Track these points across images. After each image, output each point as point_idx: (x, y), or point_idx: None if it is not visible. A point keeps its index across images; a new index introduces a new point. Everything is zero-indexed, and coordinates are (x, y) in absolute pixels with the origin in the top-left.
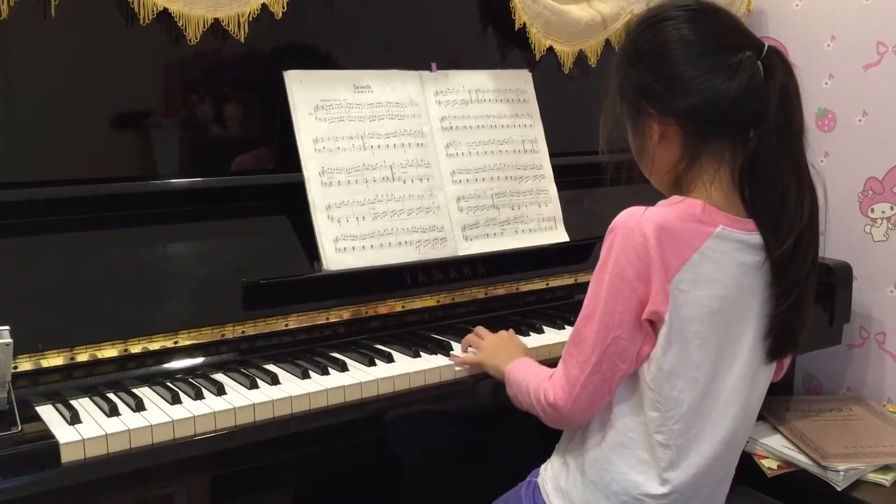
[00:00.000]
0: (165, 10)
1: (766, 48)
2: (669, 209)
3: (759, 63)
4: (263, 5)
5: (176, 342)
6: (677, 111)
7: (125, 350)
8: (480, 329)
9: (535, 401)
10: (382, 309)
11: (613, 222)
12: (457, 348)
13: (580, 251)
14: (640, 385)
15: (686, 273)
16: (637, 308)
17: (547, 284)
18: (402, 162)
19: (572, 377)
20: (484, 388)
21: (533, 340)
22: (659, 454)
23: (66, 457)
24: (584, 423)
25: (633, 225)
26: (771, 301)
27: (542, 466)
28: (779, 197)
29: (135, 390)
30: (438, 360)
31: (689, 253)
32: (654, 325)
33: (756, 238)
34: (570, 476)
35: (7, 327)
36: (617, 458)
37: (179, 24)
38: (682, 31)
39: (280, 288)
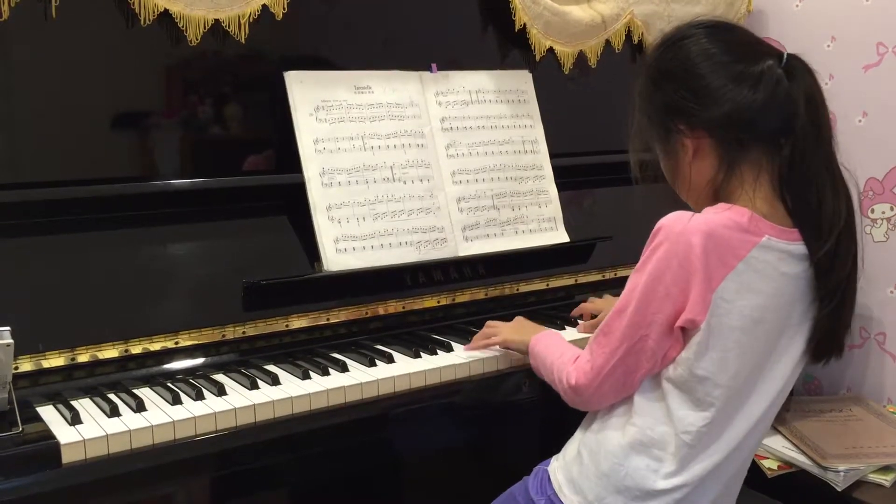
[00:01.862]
0: (166, 11)
1: (785, 55)
2: (717, 216)
3: (781, 70)
4: (264, 6)
5: (177, 343)
6: (708, 123)
7: (126, 351)
8: (491, 322)
9: (556, 379)
10: (383, 309)
11: (660, 223)
12: (457, 349)
13: (580, 252)
14: (665, 385)
15: (730, 282)
16: (669, 313)
17: (547, 285)
18: (403, 163)
19: (597, 365)
20: (484, 387)
21: None
22: (683, 453)
23: (67, 457)
24: (602, 406)
25: (679, 230)
26: (814, 305)
27: (554, 457)
28: (816, 200)
29: (135, 391)
30: (439, 361)
31: (735, 262)
32: (685, 331)
33: (800, 248)
34: (583, 467)
35: (8, 328)
36: (634, 454)
37: (180, 25)
38: (703, 45)
39: (281, 288)
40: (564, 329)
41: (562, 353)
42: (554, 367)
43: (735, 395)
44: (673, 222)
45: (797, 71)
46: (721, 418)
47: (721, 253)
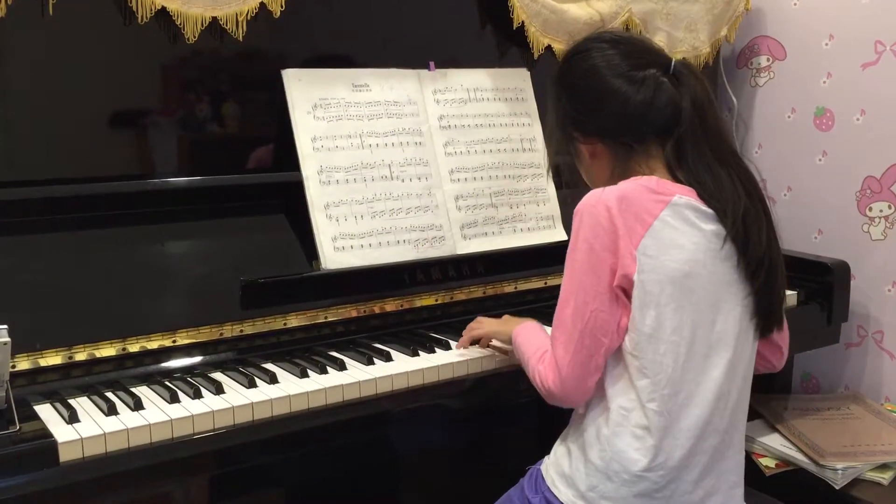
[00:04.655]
0: (163, 8)
1: (673, 63)
2: (627, 183)
3: (666, 78)
4: (262, 4)
5: (174, 341)
6: (598, 131)
7: (123, 349)
8: (480, 318)
9: (531, 378)
10: (381, 308)
11: (577, 206)
12: (455, 346)
13: None
14: (624, 357)
15: (650, 239)
16: (609, 278)
17: (545, 283)
18: (401, 161)
19: (559, 358)
20: (483, 386)
21: None
22: (654, 423)
23: (65, 456)
24: (580, 401)
25: (594, 202)
26: (745, 281)
27: (546, 456)
28: (714, 186)
29: (133, 389)
30: (437, 359)
31: (650, 220)
32: (626, 292)
33: (710, 208)
34: (573, 461)
35: (5, 326)
36: (615, 437)
37: (177, 23)
38: (590, 63)
39: (278, 287)
40: None
41: (536, 350)
42: (529, 365)
43: (686, 354)
44: (587, 199)
45: (684, 76)
46: (678, 380)
47: (636, 211)
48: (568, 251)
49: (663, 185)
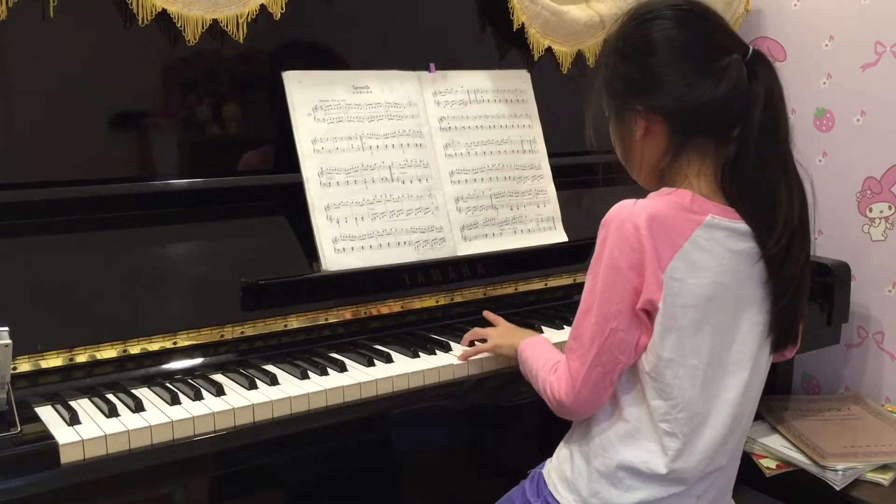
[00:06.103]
0: (164, 10)
1: (750, 51)
2: (659, 199)
3: (744, 66)
4: (262, 6)
5: (175, 343)
6: (663, 110)
7: (124, 351)
8: (477, 329)
9: (541, 390)
10: (381, 309)
11: (606, 216)
12: (456, 348)
13: (579, 251)
14: (642, 377)
15: (679, 262)
16: (632, 298)
17: (546, 284)
18: (401, 162)
19: (574, 371)
20: (483, 387)
21: None
22: (666, 443)
23: (66, 457)
24: (588, 414)
25: (624, 217)
26: (769, 297)
27: (547, 460)
28: (769, 196)
29: (134, 391)
30: (437, 361)
31: (681, 241)
32: (649, 314)
33: (745, 226)
34: (575, 466)
35: (6, 328)
36: (623, 446)
37: (178, 25)
38: (672, 33)
39: (279, 288)
40: (563, 329)
41: (545, 362)
42: (539, 377)
43: (703, 377)
44: (617, 212)
45: (760, 67)
46: (695, 403)
47: (667, 233)
48: (592, 261)
49: (698, 202)
